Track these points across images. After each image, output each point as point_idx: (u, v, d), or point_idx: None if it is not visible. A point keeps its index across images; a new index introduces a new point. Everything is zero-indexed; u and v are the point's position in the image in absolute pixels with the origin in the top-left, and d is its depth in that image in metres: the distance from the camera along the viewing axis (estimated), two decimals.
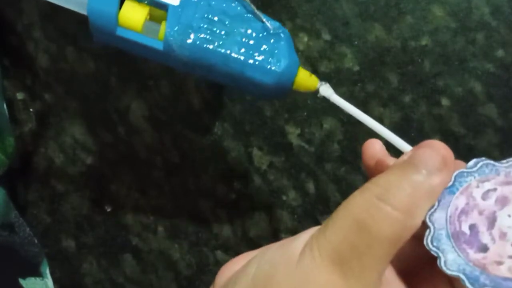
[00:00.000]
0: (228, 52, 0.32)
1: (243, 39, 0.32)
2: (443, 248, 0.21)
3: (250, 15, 0.33)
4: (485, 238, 0.20)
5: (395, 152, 0.25)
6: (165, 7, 0.32)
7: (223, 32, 0.32)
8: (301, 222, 0.47)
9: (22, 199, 0.55)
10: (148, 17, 0.34)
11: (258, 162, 0.48)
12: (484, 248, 0.20)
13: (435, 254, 0.21)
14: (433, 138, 0.44)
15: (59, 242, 0.54)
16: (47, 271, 0.53)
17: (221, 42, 0.32)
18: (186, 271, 0.51)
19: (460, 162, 0.22)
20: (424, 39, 0.42)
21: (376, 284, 0.20)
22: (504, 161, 0.21)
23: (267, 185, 0.48)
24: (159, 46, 0.32)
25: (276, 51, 0.32)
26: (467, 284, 0.20)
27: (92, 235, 0.53)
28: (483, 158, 0.21)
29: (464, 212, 0.21)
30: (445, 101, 0.42)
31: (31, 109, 0.54)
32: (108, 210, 0.53)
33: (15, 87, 0.54)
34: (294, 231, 0.47)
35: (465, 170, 0.21)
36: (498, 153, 0.41)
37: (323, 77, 0.45)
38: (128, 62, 0.50)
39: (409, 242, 0.20)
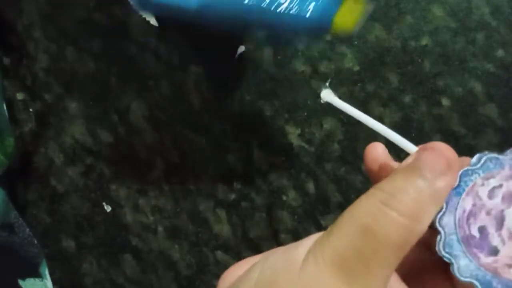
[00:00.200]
0: None
1: None
2: (455, 254, 0.21)
3: None
4: (495, 240, 0.20)
5: (395, 152, 0.25)
6: None
7: None
8: (301, 222, 0.47)
9: (22, 199, 0.55)
10: None
11: (258, 162, 0.48)
12: (494, 251, 0.20)
13: (448, 261, 0.21)
14: (433, 138, 0.44)
15: (59, 242, 0.54)
16: (46, 272, 0.53)
17: None
18: (186, 271, 0.51)
19: (466, 159, 0.22)
20: (424, 39, 0.42)
21: None
22: (508, 151, 0.21)
23: (267, 185, 0.48)
24: None
25: None
26: None
27: (92, 235, 0.53)
28: (486, 152, 0.21)
29: (472, 214, 0.21)
30: (445, 101, 0.42)
31: (31, 109, 0.54)
32: (108, 210, 0.53)
33: (15, 87, 0.53)
34: (294, 232, 0.47)
35: (469, 168, 0.21)
36: None
37: (323, 77, 0.45)
38: (128, 62, 0.50)
39: (413, 247, 0.20)
